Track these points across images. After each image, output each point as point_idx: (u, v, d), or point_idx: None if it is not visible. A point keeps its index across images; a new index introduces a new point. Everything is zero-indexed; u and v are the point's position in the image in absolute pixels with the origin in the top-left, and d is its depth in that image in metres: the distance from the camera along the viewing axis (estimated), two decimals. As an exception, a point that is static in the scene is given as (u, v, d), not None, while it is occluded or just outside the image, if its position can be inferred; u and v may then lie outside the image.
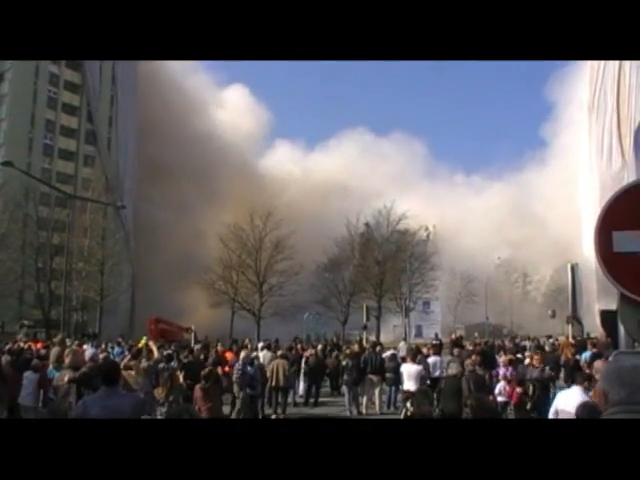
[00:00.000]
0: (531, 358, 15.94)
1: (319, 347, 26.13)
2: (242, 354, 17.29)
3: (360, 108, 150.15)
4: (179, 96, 77.96)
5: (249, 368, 16.40)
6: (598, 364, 9.35)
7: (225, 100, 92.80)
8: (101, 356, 12.73)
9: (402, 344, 28.88)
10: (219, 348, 23.65)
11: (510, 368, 15.55)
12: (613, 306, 4.51)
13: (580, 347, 23.57)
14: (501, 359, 17.28)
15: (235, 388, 16.30)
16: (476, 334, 44.18)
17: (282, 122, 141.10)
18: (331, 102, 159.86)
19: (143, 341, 16.42)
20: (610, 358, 4.39)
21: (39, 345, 23.57)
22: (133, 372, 11.83)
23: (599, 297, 47.14)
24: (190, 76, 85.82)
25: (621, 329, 4.90)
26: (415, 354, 17.89)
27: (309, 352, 23.81)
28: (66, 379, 9.18)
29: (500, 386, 14.67)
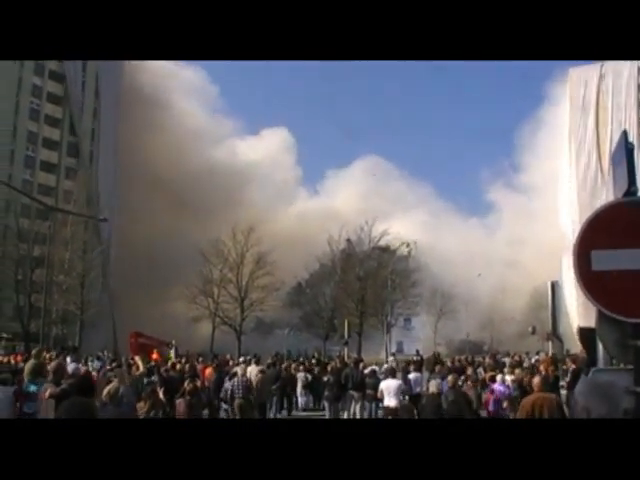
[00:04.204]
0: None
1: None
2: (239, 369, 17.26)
3: (373, 138, 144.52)
4: (164, 111, 77.94)
5: (228, 383, 16.42)
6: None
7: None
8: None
9: (391, 359, 29.13)
10: (199, 365, 23.55)
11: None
12: (593, 323, 4.58)
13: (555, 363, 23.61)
14: (498, 377, 17.17)
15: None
16: (451, 361, 40.68)
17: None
18: (343, 132, 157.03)
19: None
20: (590, 375, 4.48)
21: (18, 358, 23.38)
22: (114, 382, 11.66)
23: (579, 314, 47.53)
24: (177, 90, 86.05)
25: (600, 347, 4.98)
26: (394, 371, 17.98)
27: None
28: (47, 394, 9.07)
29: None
